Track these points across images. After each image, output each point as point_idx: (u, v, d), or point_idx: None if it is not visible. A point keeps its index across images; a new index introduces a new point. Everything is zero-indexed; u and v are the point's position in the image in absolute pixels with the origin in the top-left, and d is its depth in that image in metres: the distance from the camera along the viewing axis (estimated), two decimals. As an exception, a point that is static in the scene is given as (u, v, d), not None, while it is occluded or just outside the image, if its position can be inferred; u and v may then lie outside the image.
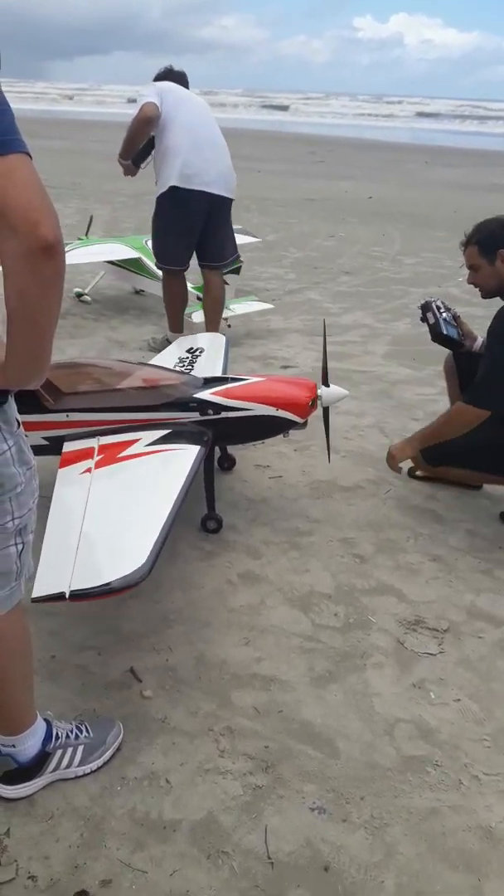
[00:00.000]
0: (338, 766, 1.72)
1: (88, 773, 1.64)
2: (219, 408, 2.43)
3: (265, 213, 10.60)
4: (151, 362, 3.13)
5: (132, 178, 4.31)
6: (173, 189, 3.92)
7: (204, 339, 3.47)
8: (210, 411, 2.42)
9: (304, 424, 2.55)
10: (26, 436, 1.35)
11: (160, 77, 4.13)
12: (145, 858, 1.47)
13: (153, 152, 4.07)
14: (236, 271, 5.06)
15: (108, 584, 1.59)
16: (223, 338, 3.43)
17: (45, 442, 2.31)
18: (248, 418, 2.45)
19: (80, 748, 1.63)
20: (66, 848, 1.48)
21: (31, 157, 0.99)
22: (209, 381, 2.55)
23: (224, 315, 4.65)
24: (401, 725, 1.84)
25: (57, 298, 1.06)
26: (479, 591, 2.41)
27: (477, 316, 3.79)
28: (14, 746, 1.54)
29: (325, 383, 2.59)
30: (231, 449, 3.10)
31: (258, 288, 6.27)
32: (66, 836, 1.51)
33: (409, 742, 1.80)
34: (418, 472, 3.10)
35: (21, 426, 1.32)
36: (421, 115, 58.96)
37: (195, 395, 2.45)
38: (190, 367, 3.00)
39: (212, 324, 4.34)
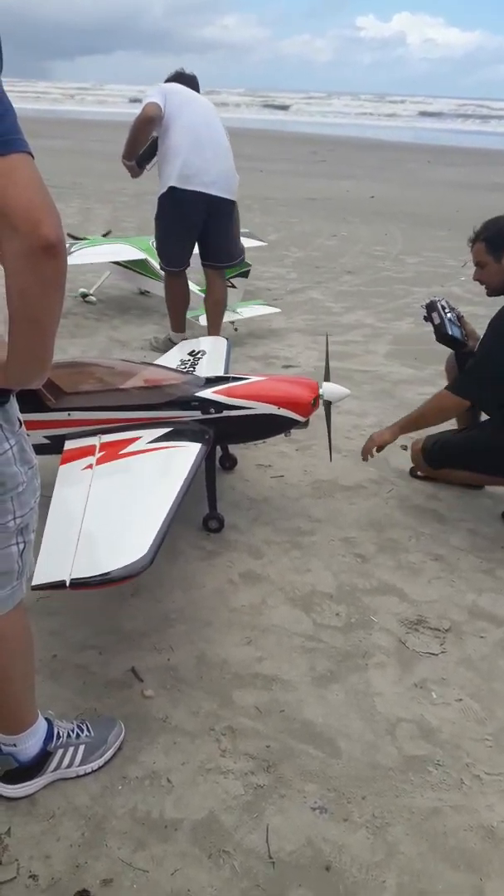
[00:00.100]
0: (339, 765, 1.72)
1: (89, 773, 1.64)
2: (220, 406, 2.43)
3: (267, 213, 10.59)
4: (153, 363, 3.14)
5: (134, 178, 4.32)
6: (172, 189, 3.92)
7: (206, 343, 3.49)
8: (212, 410, 2.43)
9: (306, 423, 2.55)
10: (28, 435, 1.35)
11: (171, 79, 4.13)
12: (146, 858, 1.47)
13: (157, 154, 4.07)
14: (244, 274, 5.01)
15: (108, 573, 1.60)
16: (225, 341, 3.44)
17: (46, 441, 2.32)
18: (250, 417, 2.46)
19: (82, 747, 1.63)
20: (68, 847, 1.48)
21: (32, 156, 0.99)
22: (211, 381, 2.56)
23: (231, 318, 4.65)
24: (402, 725, 1.84)
25: (58, 298, 1.06)
26: (480, 590, 2.41)
27: (479, 315, 3.78)
28: (15, 746, 1.54)
29: (327, 380, 2.60)
30: (232, 448, 3.10)
31: (260, 287, 6.27)
32: (67, 836, 1.51)
33: (410, 742, 1.79)
34: (419, 472, 3.10)
35: (23, 425, 1.32)
36: (423, 114, 58.92)
37: (197, 394, 2.45)
38: (192, 369, 3.01)
39: (213, 325, 4.33)
